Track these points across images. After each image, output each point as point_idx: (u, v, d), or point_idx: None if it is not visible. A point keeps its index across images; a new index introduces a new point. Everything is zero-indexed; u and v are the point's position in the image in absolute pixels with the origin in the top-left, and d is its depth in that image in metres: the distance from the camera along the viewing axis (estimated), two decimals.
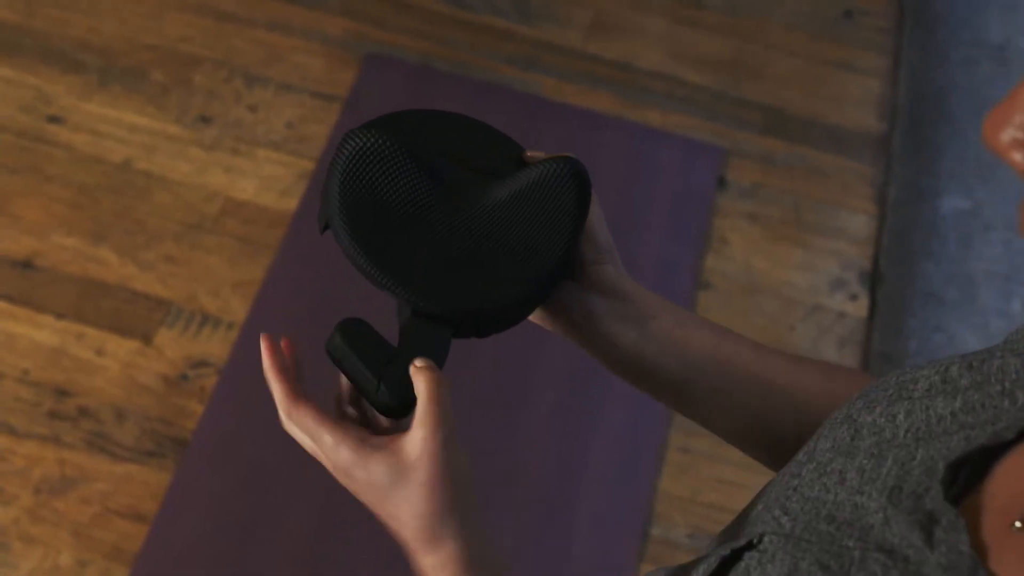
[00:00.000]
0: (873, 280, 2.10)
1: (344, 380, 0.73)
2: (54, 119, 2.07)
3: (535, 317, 0.79)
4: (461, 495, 0.66)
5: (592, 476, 1.80)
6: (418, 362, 0.69)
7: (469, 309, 0.71)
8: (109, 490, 1.71)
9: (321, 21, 2.29)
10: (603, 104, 2.25)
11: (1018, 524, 0.49)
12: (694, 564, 0.64)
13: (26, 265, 1.90)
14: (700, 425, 0.80)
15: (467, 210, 0.74)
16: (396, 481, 0.66)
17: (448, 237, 0.73)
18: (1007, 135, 0.44)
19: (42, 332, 1.83)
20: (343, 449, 0.67)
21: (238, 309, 1.89)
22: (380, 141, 0.74)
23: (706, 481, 1.82)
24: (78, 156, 2.04)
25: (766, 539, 0.58)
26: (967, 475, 0.54)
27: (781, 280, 2.07)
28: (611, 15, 2.40)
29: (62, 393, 1.78)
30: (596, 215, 0.77)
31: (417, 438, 0.66)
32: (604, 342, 0.76)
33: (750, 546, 0.59)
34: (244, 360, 1.84)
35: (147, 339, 1.85)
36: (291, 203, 2.02)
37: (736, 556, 0.60)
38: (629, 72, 2.31)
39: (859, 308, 2.05)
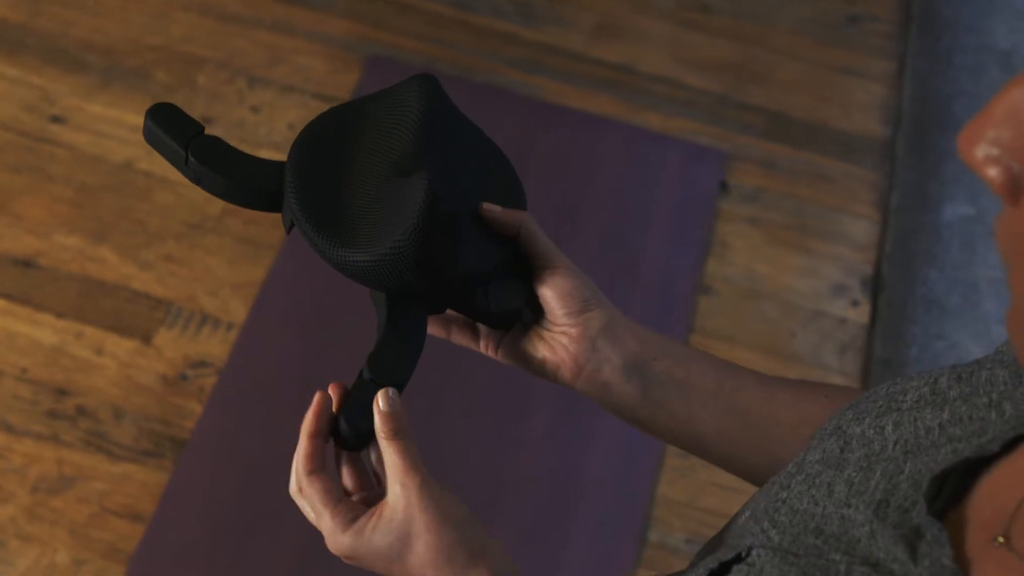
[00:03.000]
0: (875, 286, 2.09)
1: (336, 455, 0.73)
2: (57, 119, 2.08)
3: (538, 370, 0.78)
4: (461, 529, 0.66)
5: (591, 481, 1.80)
6: (381, 425, 0.68)
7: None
8: (106, 489, 1.71)
9: (324, 23, 2.29)
10: (605, 107, 2.25)
11: (1000, 539, 0.49)
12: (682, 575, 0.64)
13: (27, 264, 1.90)
14: (713, 464, 0.79)
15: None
16: (396, 543, 0.66)
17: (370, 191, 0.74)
18: (981, 150, 0.43)
19: (42, 331, 1.84)
20: (339, 536, 0.68)
21: (238, 310, 1.89)
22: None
23: (704, 486, 1.82)
24: (80, 156, 2.04)
25: (754, 552, 0.58)
26: (953, 488, 0.54)
27: (783, 285, 2.06)
28: (615, 18, 2.40)
29: (61, 392, 1.78)
30: (569, 268, 0.75)
31: (399, 496, 0.66)
32: (607, 393, 0.77)
33: (738, 559, 0.59)
34: (243, 361, 1.84)
35: (146, 339, 1.85)
36: None
37: (724, 569, 0.59)
38: (632, 75, 2.31)
39: (861, 314, 2.04)
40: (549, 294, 0.75)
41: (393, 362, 0.70)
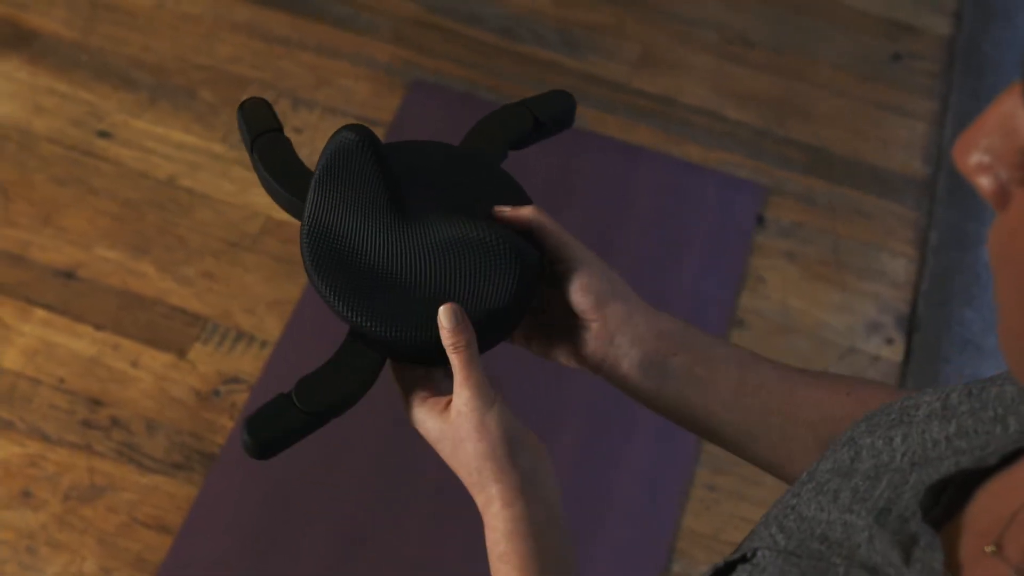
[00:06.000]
0: (910, 324, 2.08)
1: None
2: (104, 134, 2.12)
3: (563, 359, 0.80)
4: (500, 443, 0.72)
5: (616, 510, 1.79)
6: (446, 323, 0.73)
7: (391, 339, 0.75)
8: (136, 500, 1.73)
9: (369, 47, 2.32)
10: (645, 138, 2.26)
11: (991, 547, 0.51)
12: None
13: (68, 275, 1.94)
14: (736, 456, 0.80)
15: (417, 237, 0.76)
16: (449, 440, 0.73)
17: (394, 258, 0.76)
18: (974, 159, 0.44)
19: (80, 342, 1.87)
20: (423, 421, 0.75)
21: (272, 327, 1.91)
22: (360, 140, 0.75)
23: (730, 519, 1.81)
24: (125, 171, 2.08)
25: (759, 554, 0.59)
26: (952, 498, 0.56)
27: (817, 321, 2.06)
28: (657, 50, 2.41)
29: (96, 403, 1.81)
30: (585, 262, 0.77)
31: (455, 401, 0.73)
32: (625, 385, 0.77)
33: (743, 559, 0.60)
34: (276, 378, 1.86)
35: (181, 353, 1.88)
36: None
37: (730, 568, 0.61)
38: (673, 107, 2.32)
39: (895, 352, 2.03)
40: (566, 289, 0.77)
41: (318, 389, 0.73)
